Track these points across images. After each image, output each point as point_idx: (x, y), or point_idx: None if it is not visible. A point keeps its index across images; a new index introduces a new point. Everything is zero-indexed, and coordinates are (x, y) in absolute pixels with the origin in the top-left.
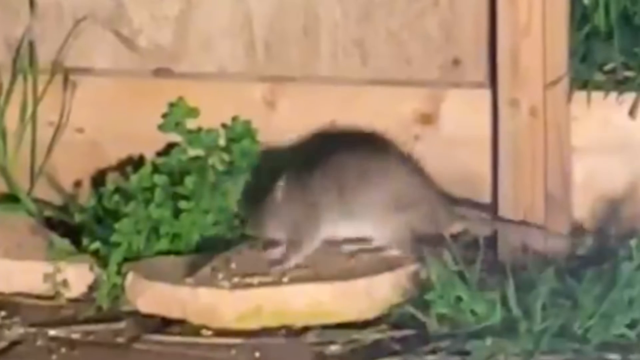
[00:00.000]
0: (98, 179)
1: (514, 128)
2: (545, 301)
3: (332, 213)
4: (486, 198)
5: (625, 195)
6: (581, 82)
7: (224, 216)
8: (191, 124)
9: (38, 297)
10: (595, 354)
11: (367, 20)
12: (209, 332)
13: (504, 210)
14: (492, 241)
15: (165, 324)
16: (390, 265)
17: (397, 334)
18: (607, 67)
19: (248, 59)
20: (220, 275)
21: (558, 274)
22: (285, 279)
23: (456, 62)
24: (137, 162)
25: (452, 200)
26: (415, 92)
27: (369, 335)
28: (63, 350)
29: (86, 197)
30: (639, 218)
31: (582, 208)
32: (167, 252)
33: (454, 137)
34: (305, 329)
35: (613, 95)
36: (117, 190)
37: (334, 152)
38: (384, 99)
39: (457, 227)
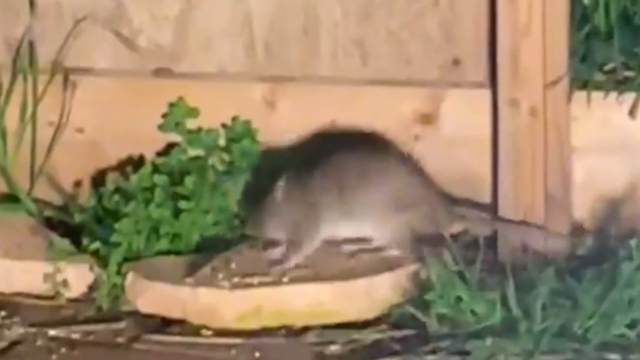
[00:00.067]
0: (98, 179)
1: (514, 128)
2: (545, 301)
3: (332, 213)
4: (486, 198)
5: (625, 195)
6: (581, 82)
7: (224, 216)
8: (191, 124)
9: (38, 297)
10: (595, 354)
11: (367, 20)
12: (209, 332)
13: (504, 211)
14: (492, 241)
15: (165, 324)
16: (390, 265)
17: (397, 334)
18: (607, 67)
19: (248, 59)
20: (220, 275)
21: (558, 274)
22: (285, 279)
23: (456, 62)
24: (137, 162)
25: (452, 200)
26: (415, 92)
27: (369, 335)
28: (63, 350)
29: (86, 197)
30: (639, 218)
31: (582, 208)
32: (167, 252)
33: (454, 137)
34: (305, 329)
35: (613, 95)
36: (117, 190)
37: (334, 152)
38: (384, 99)
39: (457, 227)
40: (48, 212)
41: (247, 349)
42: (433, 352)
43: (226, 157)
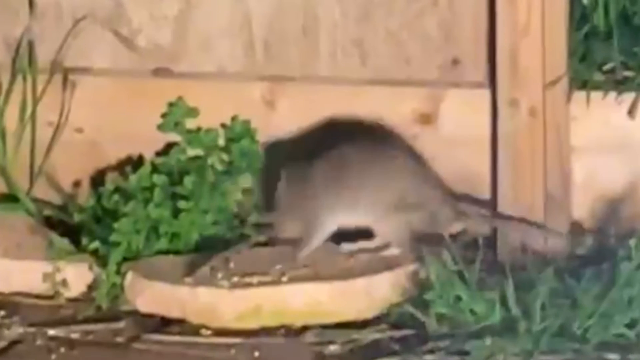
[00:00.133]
0: (97, 179)
1: (514, 128)
2: (544, 301)
3: (335, 208)
4: (486, 198)
5: (624, 195)
6: (580, 82)
7: (223, 216)
8: (190, 123)
9: (37, 296)
10: (594, 353)
11: (367, 20)
12: (209, 332)
13: (504, 210)
14: (491, 241)
15: (164, 324)
16: (389, 265)
17: (397, 333)
18: (607, 67)
19: (247, 58)
20: (220, 275)
21: (557, 274)
22: (284, 279)
23: (455, 62)
24: (136, 162)
25: (454, 197)
26: (415, 92)
27: (368, 335)
28: (62, 349)
29: (85, 196)
30: (638, 218)
31: (582, 208)
32: (167, 252)
33: (453, 137)
34: (305, 329)
35: (612, 95)
36: (117, 190)
37: (341, 146)
38: (383, 98)
39: (457, 227)
40: (47, 212)
41: (247, 348)
42: (432, 351)
43: (225, 157)
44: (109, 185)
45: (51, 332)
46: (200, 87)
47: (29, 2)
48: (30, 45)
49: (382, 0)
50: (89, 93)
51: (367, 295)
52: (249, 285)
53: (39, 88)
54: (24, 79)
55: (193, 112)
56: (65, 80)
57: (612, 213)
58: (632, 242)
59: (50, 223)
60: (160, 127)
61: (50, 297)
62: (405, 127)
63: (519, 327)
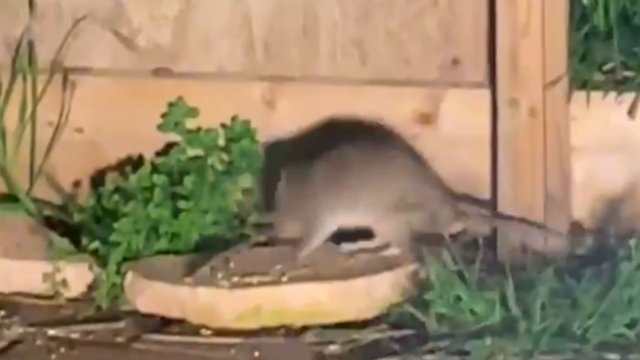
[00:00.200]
0: (97, 179)
1: (514, 128)
2: (544, 301)
3: (335, 208)
4: (486, 198)
5: (624, 195)
6: (580, 82)
7: (223, 216)
8: (190, 123)
9: (37, 296)
10: (594, 353)
11: (366, 20)
12: (208, 332)
13: (504, 210)
14: (491, 241)
15: (164, 324)
16: (389, 265)
17: (396, 333)
18: (607, 67)
19: (247, 58)
20: (220, 275)
21: (557, 274)
22: (284, 279)
23: (455, 62)
24: (136, 162)
25: (454, 197)
26: (415, 92)
27: (368, 335)
28: (62, 349)
29: (85, 196)
30: (638, 218)
31: (582, 208)
32: (167, 252)
33: (453, 137)
34: (305, 329)
35: (612, 95)
36: (117, 190)
37: (341, 146)
38: (383, 98)
39: (457, 227)
40: (47, 212)
41: (247, 348)
42: (432, 351)
43: (225, 156)
44: (109, 185)
45: (51, 332)
46: (200, 87)
47: (29, 2)
48: (30, 45)
49: (382, 0)
50: (89, 93)
51: (367, 295)
52: (249, 285)
53: (39, 88)
54: (24, 79)
55: (193, 112)
56: (65, 80)
57: (612, 213)
58: (632, 242)
59: (50, 223)
60: (160, 127)
61: (50, 297)
62: (405, 127)
63: (519, 327)
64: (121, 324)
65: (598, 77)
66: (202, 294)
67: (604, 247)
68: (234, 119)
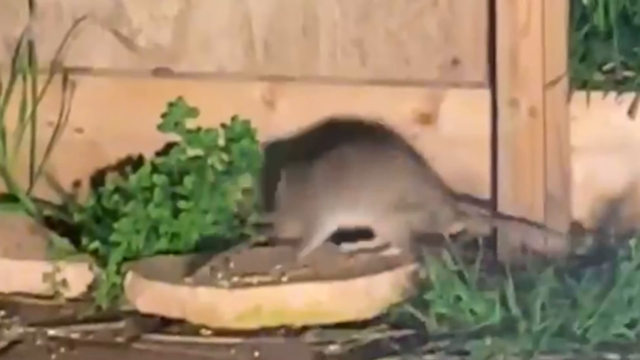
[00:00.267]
0: (97, 179)
1: (514, 128)
2: (544, 301)
3: (335, 208)
4: (486, 198)
5: (624, 195)
6: (580, 82)
7: (223, 216)
8: (190, 123)
9: (37, 296)
10: (594, 353)
11: (366, 20)
12: (208, 332)
13: (504, 210)
14: (491, 241)
15: (164, 324)
16: (389, 265)
17: (396, 333)
18: (606, 67)
19: (247, 58)
20: (220, 275)
21: (557, 274)
22: (284, 279)
23: (455, 62)
24: (136, 162)
25: (454, 197)
26: (415, 92)
27: (368, 335)
28: (62, 349)
29: (85, 196)
30: (638, 218)
31: (582, 208)
32: (166, 252)
33: (453, 137)
34: (305, 329)
35: (612, 95)
36: (117, 190)
37: (341, 146)
38: (383, 98)
39: (457, 227)
40: (47, 212)
41: (247, 348)
42: (432, 351)
43: (225, 156)
44: (109, 185)
45: (51, 332)
46: (200, 87)
47: (29, 2)
48: (30, 45)
49: (382, 0)
50: (89, 93)
51: (367, 295)
52: (249, 285)
53: (39, 88)
54: (24, 79)
55: (193, 112)
56: (65, 80)
57: (612, 213)
58: (632, 242)
59: (50, 223)
60: (160, 127)
61: (50, 297)
62: (405, 127)
63: (519, 327)
64: (121, 324)
65: (598, 77)
66: (202, 294)
67: (604, 247)
68: (234, 119)
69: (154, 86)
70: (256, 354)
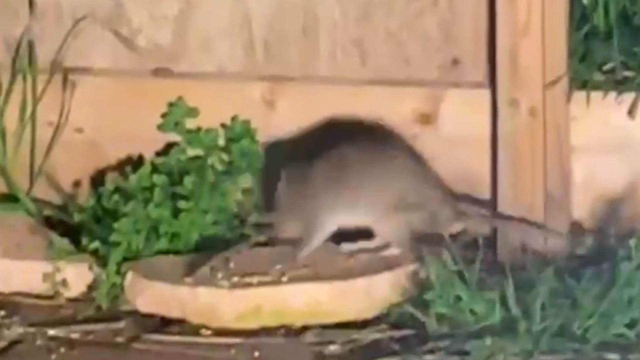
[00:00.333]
0: (97, 179)
1: (513, 128)
2: (544, 301)
3: (335, 208)
4: (486, 198)
5: (624, 195)
6: (580, 82)
7: (223, 216)
8: (190, 123)
9: (37, 296)
10: (594, 353)
11: (366, 20)
12: (208, 332)
13: (504, 210)
14: (491, 241)
15: (164, 324)
16: (389, 265)
17: (396, 333)
18: (607, 67)
19: (247, 58)
20: (220, 275)
21: (557, 274)
22: (284, 279)
23: (455, 62)
24: (136, 162)
25: (454, 197)
26: (415, 92)
27: (368, 335)
28: (62, 349)
29: (85, 196)
30: (638, 218)
31: (582, 208)
32: (166, 252)
33: (453, 137)
34: (304, 329)
35: (612, 95)
36: (117, 190)
37: (341, 146)
38: (383, 98)
39: (457, 227)
40: (47, 212)
41: (247, 348)
42: (432, 351)
43: (225, 156)
44: (109, 185)
45: (51, 332)
46: (200, 87)
47: (29, 2)
48: (30, 45)
49: (382, 0)
50: (88, 93)
51: (367, 295)
52: (249, 285)
53: (39, 88)
54: (24, 79)
55: (193, 112)
56: (65, 80)
57: (612, 213)
58: (632, 242)
59: (50, 223)
60: (160, 127)
61: (50, 297)
62: (405, 127)
63: (519, 327)
64: (121, 324)
65: (598, 77)
66: (202, 294)
67: (604, 247)
68: (234, 119)
69: (154, 86)
70: (256, 354)
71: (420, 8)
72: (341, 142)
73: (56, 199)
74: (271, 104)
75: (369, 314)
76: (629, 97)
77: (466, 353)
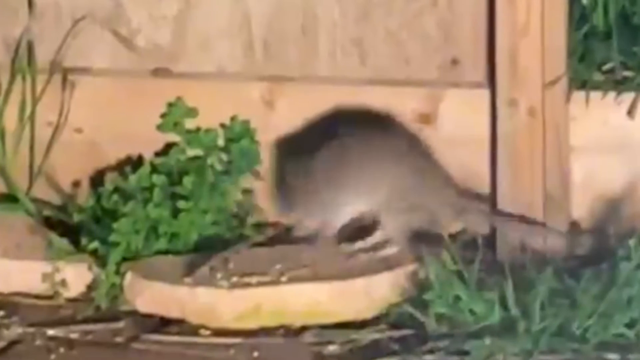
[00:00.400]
0: (97, 179)
1: (513, 128)
2: (543, 301)
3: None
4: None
5: (623, 194)
6: (580, 82)
7: (222, 216)
8: (190, 123)
9: (37, 296)
10: (594, 353)
11: (366, 20)
12: (208, 332)
13: (503, 210)
14: (490, 241)
15: (163, 324)
16: (388, 265)
17: (396, 333)
18: (606, 67)
19: (246, 58)
20: (219, 275)
21: (557, 274)
22: (283, 279)
23: (455, 62)
24: (135, 162)
25: (455, 192)
26: (414, 91)
27: (368, 335)
28: (62, 349)
29: (85, 196)
30: (637, 217)
31: (581, 208)
32: (166, 252)
33: (452, 137)
34: (304, 329)
35: (611, 95)
36: (116, 190)
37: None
38: (382, 98)
39: (457, 226)
40: (47, 212)
41: (246, 348)
42: (432, 351)
43: (225, 157)
44: (109, 185)
45: (50, 332)
46: (199, 87)
47: (28, 2)
48: (30, 45)
49: (382, 0)
50: (88, 93)
51: (367, 295)
52: (248, 285)
53: (38, 88)
54: (23, 79)
55: (192, 112)
56: (64, 80)
57: (612, 213)
58: (631, 242)
59: (49, 223)
60: (159, 127)
61: (50, 297)
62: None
63: (518, 327)
64: (120, 324)
65: (597, 77)
66: (202, 294)
67: (603, 247)
68: (233, 119)
69: (153, 86)
70: (255, 354)
71: (419, 8)
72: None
73: (55, 199)
74: (270, 104)
75: (368, 314)
76: (628, 97)
77: (465, 353)
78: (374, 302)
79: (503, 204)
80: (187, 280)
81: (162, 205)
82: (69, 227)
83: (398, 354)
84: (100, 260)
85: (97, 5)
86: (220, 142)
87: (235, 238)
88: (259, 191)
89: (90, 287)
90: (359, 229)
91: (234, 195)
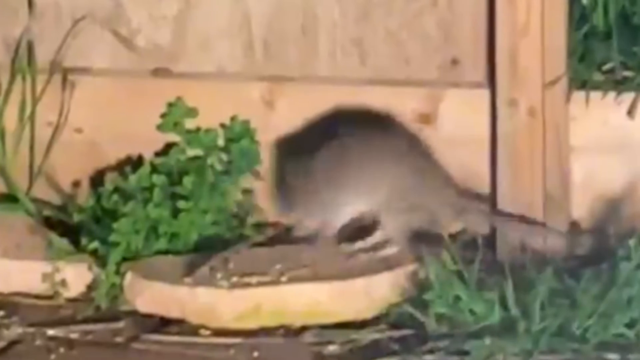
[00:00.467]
0: (97, 179)
1: (513, 128)
2: (543, 301)
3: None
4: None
5: (623, 194)
6: (580, 82)
7: (222, 216)
8: (190, 123)
9: (37, 296)
10: (594, 353)
11: (366, 20)
12: (208, 332)
13: (503, 210)
14: (490, 241)
15: (163, 324)
16: (388, 265)
17: (396, 333)
18: (606, 67)
19: (246, 58)
20: (219, 275)
21: (557, 274)
22: (283, 279)
23: (455, 62)
24: (135, 162)
25: (455, 192)
26: (414, 91)
27: (368, 335)
28: (62, 349)
29: (85, 196)
30: (638, 218)
31: (581, 208)
32: (166, 252)
33: (452, 137)
34: (304, 329)
35: (611, 95)
36: (116, 190)
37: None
38: (382, 98)
39: (456, 227)
40: (47, 212)
41: (246, 348)
42: (431, 351)
43: (225, 157)
44: (109, 185)
45: (50, 332)
46: (199, 87)
47: (28, 2)
48: (30, 45)
49: (382, 0)
50: (88, 93)
51: (367, 295)
52: (248, 285)
53: (38, 88)
54: (23, 79)
55: (192, 112)
56: (64, 80)
57: (612, 213)
58: (631, 242)
59: (49, 223)
60: (159, 127)
61: (50, 297)
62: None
63: (518, 327)
64: (120, 324)
65: (597, 77)
66: (202, 294)
67: (603, 247)
68: (233, 119)
69: (153, 86)
70: (255, 354)
71: (419, 8)
72: (345, 136)
73: (55, 199)
74: (270, 104)
75: (368, 314)
76: (628, 97)
77: (465, 353)
78: (374, 302)
79: (503, 204)
80: (187, 280)
81: (162, 205)
82: (69, 227)
83: (398, 354)
84: (100, 260)
85: (97, 5)
86: (220, 142)
87: (235, 238)
88: (259, 191)
89: (90, 287)
90: (359, 229)
91: (234, 195)
